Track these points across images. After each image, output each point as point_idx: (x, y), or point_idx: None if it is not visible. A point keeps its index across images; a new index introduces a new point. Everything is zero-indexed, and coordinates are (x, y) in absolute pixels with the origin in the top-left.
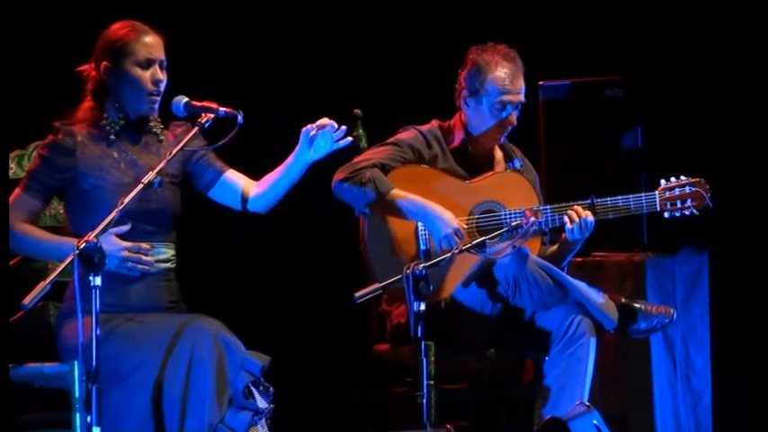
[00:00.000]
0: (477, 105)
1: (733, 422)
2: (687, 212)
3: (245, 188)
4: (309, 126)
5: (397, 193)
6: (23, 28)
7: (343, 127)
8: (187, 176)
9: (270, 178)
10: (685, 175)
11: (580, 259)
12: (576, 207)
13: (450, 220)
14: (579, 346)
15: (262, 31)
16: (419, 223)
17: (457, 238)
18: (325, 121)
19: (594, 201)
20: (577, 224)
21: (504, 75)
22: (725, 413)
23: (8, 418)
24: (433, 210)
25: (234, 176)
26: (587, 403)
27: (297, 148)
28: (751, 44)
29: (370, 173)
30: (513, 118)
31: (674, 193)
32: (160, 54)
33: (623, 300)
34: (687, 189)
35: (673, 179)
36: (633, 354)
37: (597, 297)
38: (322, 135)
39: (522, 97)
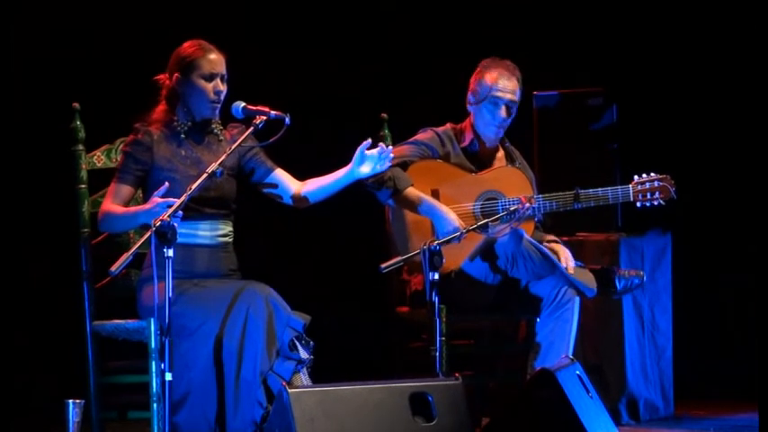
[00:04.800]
0: (477, 105)
1: (689, 372)
2: (656, 203)
3: (290, 186)
4: (364, 144)
5: (412, 191)
6: (111, 47)
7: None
8: (241, 171)
9: (319, 182)
10: (654, 172)
11: (566, 238)
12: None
13: (454, 219)
14: (565, 311)
15: (303, 48)
16: None
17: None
18: (368, 140)
19: (578, 191)
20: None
21: (497, 76)
22: (683, 364)
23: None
24: (440, 209)
25: (281, 175)
26: (571, 357)
27: (350, 165)
28: (705, 61)
29: (390, 171)
30: (504, 110)
31: (645, 186)
32: (221, 69)
33: (601, 267)
34: (656, 183)
35: (644, 175)
36: (609, 317)
37: (579, 270)
38: (371, 156)
39: (511, 96)
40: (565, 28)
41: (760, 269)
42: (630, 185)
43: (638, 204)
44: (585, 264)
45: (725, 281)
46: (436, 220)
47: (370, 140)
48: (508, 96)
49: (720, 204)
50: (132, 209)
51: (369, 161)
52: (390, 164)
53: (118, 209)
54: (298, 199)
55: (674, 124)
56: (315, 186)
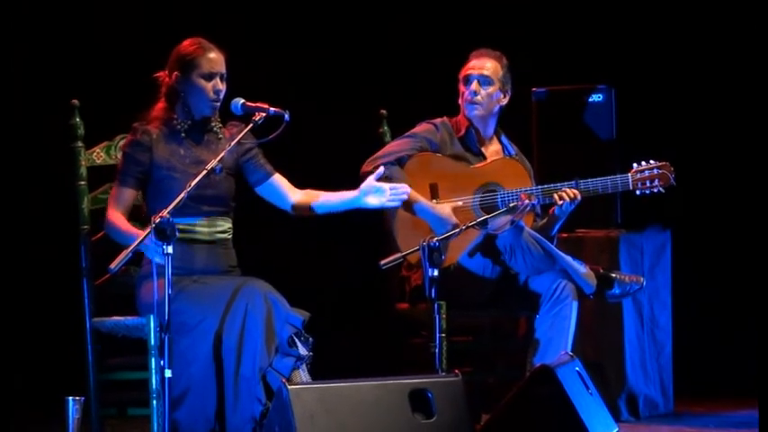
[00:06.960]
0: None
1: (689, 368)
2: (655, 191)
3: (287, 193)
4: (375, 173)
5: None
6: (110, 43)
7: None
8: (240, 171)
9: (319, 197)
10: (653, 160)
11: (565, 235)
12: (563, 191)
13: (449, 218)
14: (564, 306)
15: (302, 44)
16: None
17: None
18: (381, 169)
19: (578, 182)
20: (566, 202)
21: (472, 60)
22: (682, 361)
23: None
24: (434, 211)
25: (279, 181)
26: (571, 353)
27: (358, 191)
28: (706, 59)
29: (387, 171)
30: (474, 85)
31: (644, 174)
32: (221, 68)
33: (602, 270)
34: (655, 171)
35: (643, 162)
36: (608, 313)
37: (579, 267)
38: (379, 189)
39: (478, 71)
40: (564, 24)
41: (761, 265)
42: (629, 174)
43: (638, 192)
44: (585, 262)
45: (724, 277)
46: (432, 221)
47: (382, 169)
48: (476, 72)
49: (720, 201)
50: (131, 230)
51: (377, 194)
52: (401, 196)
53: (120, 222)
54: (298, 208)
55: (674, 119)
56: (321, 200)
